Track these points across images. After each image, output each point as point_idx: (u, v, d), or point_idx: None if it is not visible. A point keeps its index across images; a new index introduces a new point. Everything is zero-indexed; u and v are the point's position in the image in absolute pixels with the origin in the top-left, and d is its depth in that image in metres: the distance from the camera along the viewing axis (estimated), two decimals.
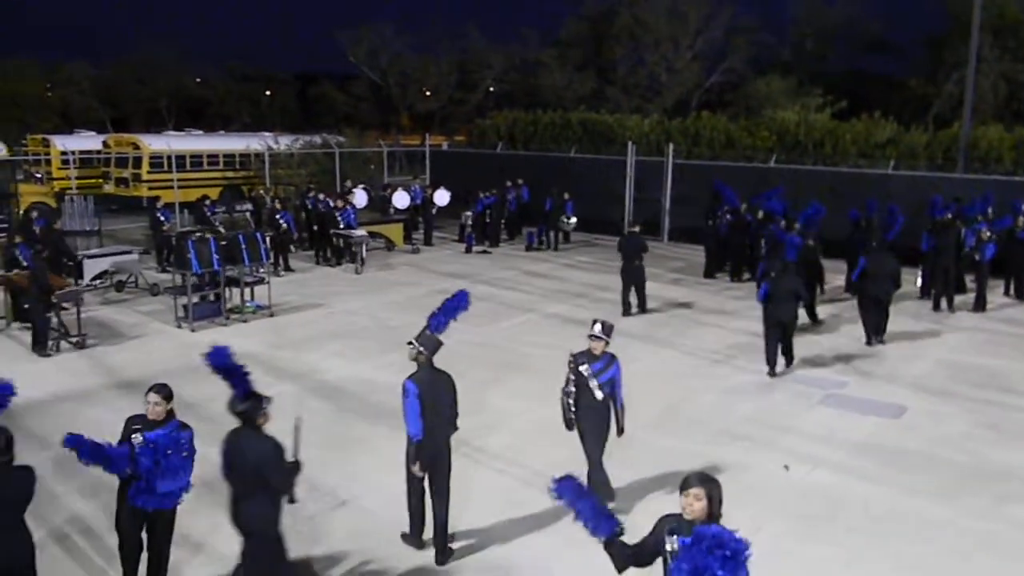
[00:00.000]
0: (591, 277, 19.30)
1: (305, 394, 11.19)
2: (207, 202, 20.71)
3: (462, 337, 13.91)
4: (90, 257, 16.38)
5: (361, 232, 19.83)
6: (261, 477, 5.72)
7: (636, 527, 7.41)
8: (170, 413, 6.11)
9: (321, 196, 21.08)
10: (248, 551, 5.93)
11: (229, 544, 7.27)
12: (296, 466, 5.93)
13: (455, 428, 7.17)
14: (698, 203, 20.19)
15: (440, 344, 7.03)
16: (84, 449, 5.75)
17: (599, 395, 7.70)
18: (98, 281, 16.03)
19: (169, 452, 6.00)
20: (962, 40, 37.66)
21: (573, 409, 7.72)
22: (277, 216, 19.61)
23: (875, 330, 13.72)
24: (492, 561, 7.19)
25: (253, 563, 5.90)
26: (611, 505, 7.50)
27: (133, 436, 5.97)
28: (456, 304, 7.33)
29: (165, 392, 6.10)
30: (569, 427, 7.84)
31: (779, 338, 12.14)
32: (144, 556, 6.33)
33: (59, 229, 16.01)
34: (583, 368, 7.70)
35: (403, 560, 7.14)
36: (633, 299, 15.60)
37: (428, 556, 7.19)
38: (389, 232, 22.30)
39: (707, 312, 16.04)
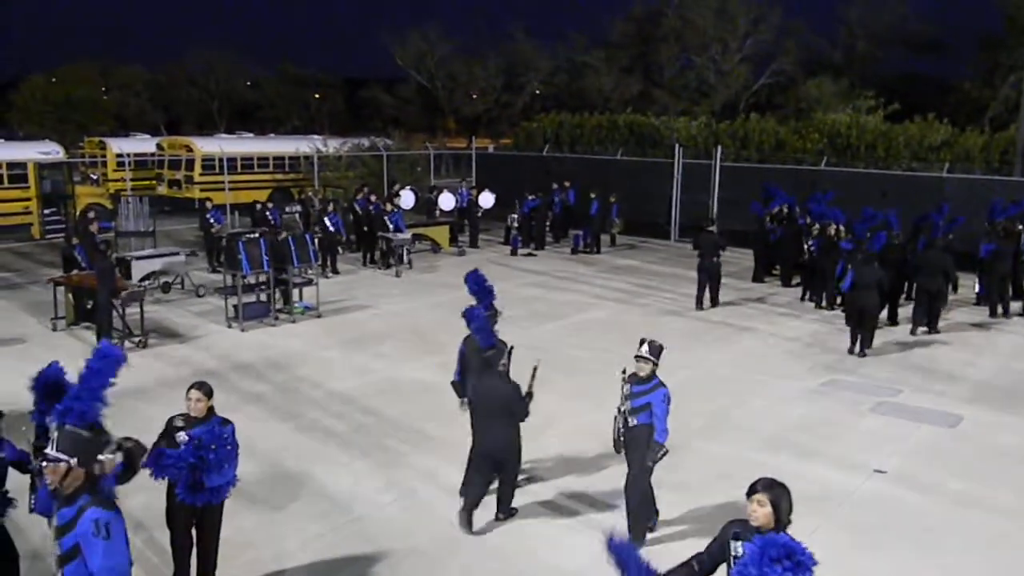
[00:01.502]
0: (638, 280, 19.23)
1: (356, 394, 11.26)
2: (270, 205, 20.86)
3: (508, 338, 13.98)
4: (139, 259, 16.61)
5: (404, 235, 19.95)
6: (506, 409, 7.38)
7: (684, 534, 7.43)
8: (211, 410, 6.18)
9: (372, 198, 21.27)
10: (495, 466, 7.58)
11: (274, 543, 7.35)
12: (530, 395, 7.57)
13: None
14: (747, 206, 19.97)
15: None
16: (159, 468, 5.96)
17: (631, 421, 7.13)
18: (146, 282, 16.28)
19: (214, 447, 6.08)
20: (1019, 41, 36.84)
21: (621, 430, 7.27)
22: (325, 218, 19.80)
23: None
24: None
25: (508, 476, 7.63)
26: (653, 523, 7.51)
27: (177, 435, 6.06)
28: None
29: (206, 389, 6.18)
30: (616, 449, 7.44)
31: (859, 324, 13.10)
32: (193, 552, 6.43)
33: (92, 231, 15.97)
34: (625, 388, 7.21)
35: (456, 552, 7.15)
36: (706, 295, 16.35)
37: (474, 554, 7.19)
38: (435, 234, 22.43)
39: (756, 317, 15.90)
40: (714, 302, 16.43)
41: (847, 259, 13.83)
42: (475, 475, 7.70)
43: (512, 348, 7.84)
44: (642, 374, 7.15)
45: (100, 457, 4.20)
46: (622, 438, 7.28)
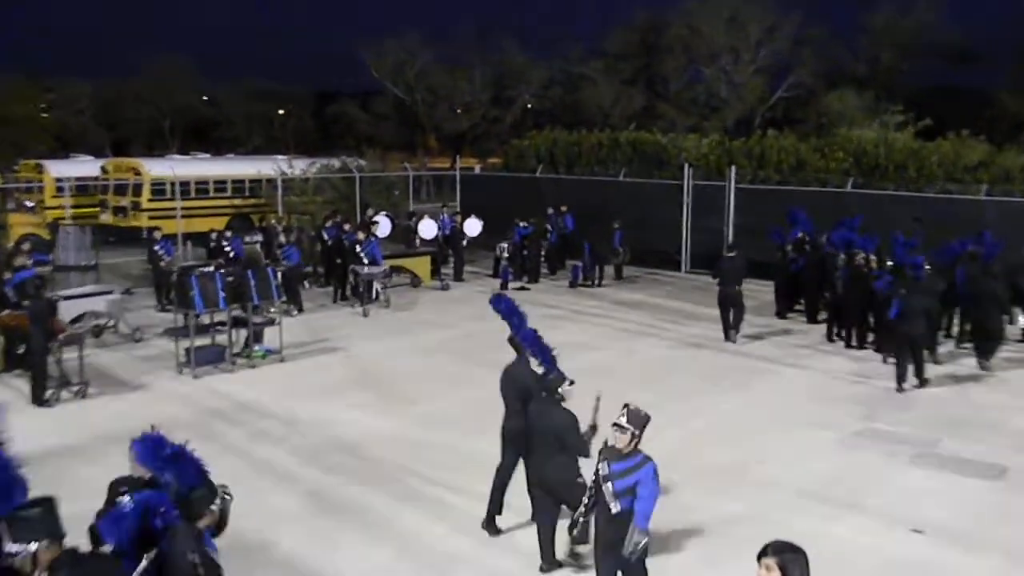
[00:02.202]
0: (645, 316, 19.21)
1: (322, 452, 11.12)
2: (228, 234, 20.72)
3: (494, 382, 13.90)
4: (67, 298, 16.00)
5: (378, 267, 19.87)
6: (560, 440, 7.64)
7: None
8: None
9: (346, 227, 21.26)
10: (555, 499, 7.80)
11: None
12: (593, 429, 7.73)
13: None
14: (765, 233, 20.01)
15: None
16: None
17: (613, 507, 6.53)
18: (76, 325, 15.95)
19: (162, 512, 5.90)
20: None
21: (585, 517, 6.85)
22: (278, 250, 19.62)
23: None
24: None
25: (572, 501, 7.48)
26: None
27: (120, 500, 5.86)
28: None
29: None
30: (580, 539, 7.10)
31: (910, 355, 13.55)
32: None
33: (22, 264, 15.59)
34: (601, 466, 6.63)
35: None
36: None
37: None
38: (414, 266, 22.41)
39: (778, 357, 15.87)
40: (734, 332, 16.73)
41: (889, 288, 14.33)
42: (538, 514, 8.10)
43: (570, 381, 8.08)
44: (620, 446, 6.53)
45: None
46: (595, 529, 6.81)
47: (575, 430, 7.69)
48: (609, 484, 6.53)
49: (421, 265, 22.51)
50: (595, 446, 7.39)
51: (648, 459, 6.53)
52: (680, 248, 25.10)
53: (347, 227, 21.22)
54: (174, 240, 22.45)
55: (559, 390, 7.84)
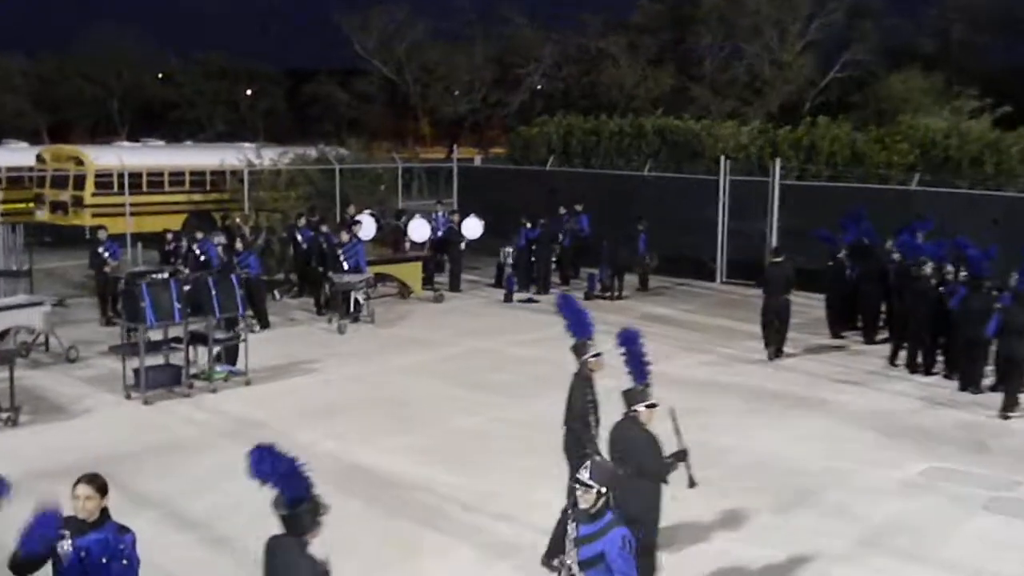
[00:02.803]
0: (673, 334, 19.18)
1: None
2: (199, 236, 20.62)
3: (497, 414, 13.96)
4: None
5: (361, 274, 19.85)
6: (640, 465, 7.82)
7: None
8: (104, 512, 6.04)
9: (324, 227, 21.29)
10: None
11: None
12: (683, 453, 8.08)
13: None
14: (814, 236, 19.95)
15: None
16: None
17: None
18: (3, 342, 15.82)
19: (105, 560, 5.92)
20: None
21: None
22: (236, 258, 19.26)
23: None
24: None
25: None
26: None
27: (59, 544, 5.88)
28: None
29: (98, 483, 6.04)
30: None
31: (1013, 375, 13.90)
32: None
33: None
34: (570, 530, 6.47)
35: None
36: None
37: None
38: (403, 274, 22.37)
39: (833, 384, 15.84)
40: (778, 350, 17.12)
41: (963, 304, 14.74)
42: None
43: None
44: (586, 506, 6.26)
45: None
46: None
47: (651, 452, 7.91)
48: (573, 551, 6.35)
49: (410, 272, 22.43)
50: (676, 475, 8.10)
51: (617, 523, 6.24)
52: (715, 255, 25.10)
53: (325, 227, 21.26)
54: (122, 242, 22.36)
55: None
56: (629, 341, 8.50)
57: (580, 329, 9.38)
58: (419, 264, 22.78)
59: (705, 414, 13.85)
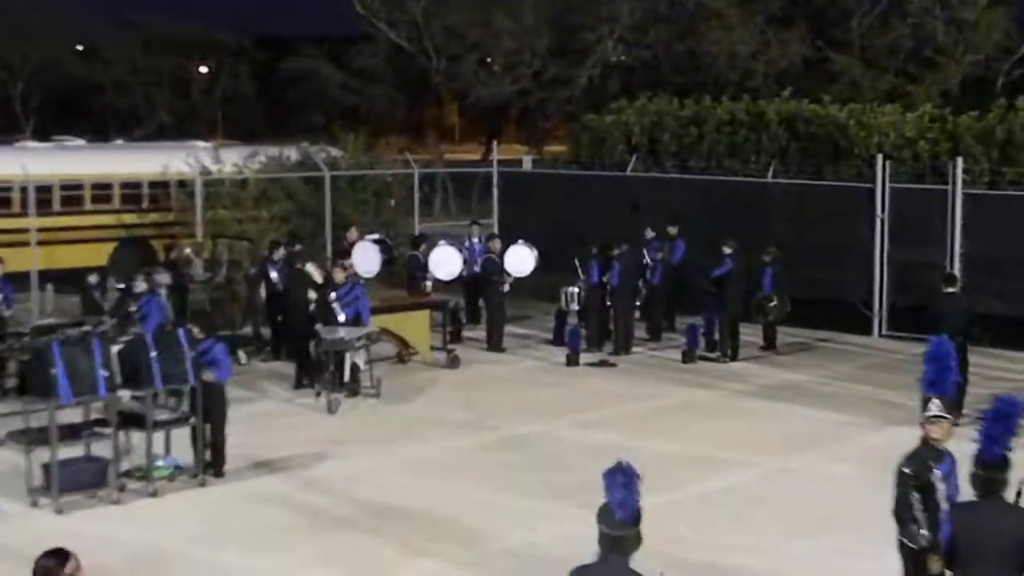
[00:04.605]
0: (814, 414, 18.96)
1: None
2: (138, 282, 20.59)
3: (559, 530, 13.59)
4: None
5: (346, 329, 19.72)
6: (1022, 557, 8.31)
7: None
8: None
9: (309, 265, 21.40)
10: None
11: None
12: None
13: None
14: (1014, 265, 19.79)
15: None
16: None
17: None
18: None
19: None
20: None
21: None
22: (133, 305, 19.34)
23: None
24: None
25: None
26: None
27: None
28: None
29: None
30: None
31: None
32: None
33: None
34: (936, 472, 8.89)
35: None
36: None
37: None
38: (403, 327, 22.23)
39: None
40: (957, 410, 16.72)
41: None
42: None
43: None
44: (938, 440, 8.38)
45: None
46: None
47: None
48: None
49: (414, 326, 22.48)
50: None
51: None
52: (870, 295, 24.95)
53: (310, 266, 21.40)
54: (22, 282, 22.56)
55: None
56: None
57: (937, 380, 10.04)
58: (426, 313, 22.74)
59: (851, 528, 13.47)
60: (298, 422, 18.66)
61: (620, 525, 7.27)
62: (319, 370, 20.05)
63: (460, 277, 23.69)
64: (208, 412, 16.12)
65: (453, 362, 22.23)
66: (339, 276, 20.41)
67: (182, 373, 15.37)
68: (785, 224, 24.72)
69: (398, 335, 22.29)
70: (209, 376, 16.00)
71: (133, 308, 19.65)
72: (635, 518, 7.26)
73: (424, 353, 22.32)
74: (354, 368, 19.84)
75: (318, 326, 19.91)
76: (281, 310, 21.81)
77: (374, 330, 20.38)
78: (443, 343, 22.74)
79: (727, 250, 22.87)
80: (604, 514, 7.37)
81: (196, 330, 16.61)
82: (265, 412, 19.23)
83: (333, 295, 20.02)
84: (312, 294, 20.64)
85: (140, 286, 20.09)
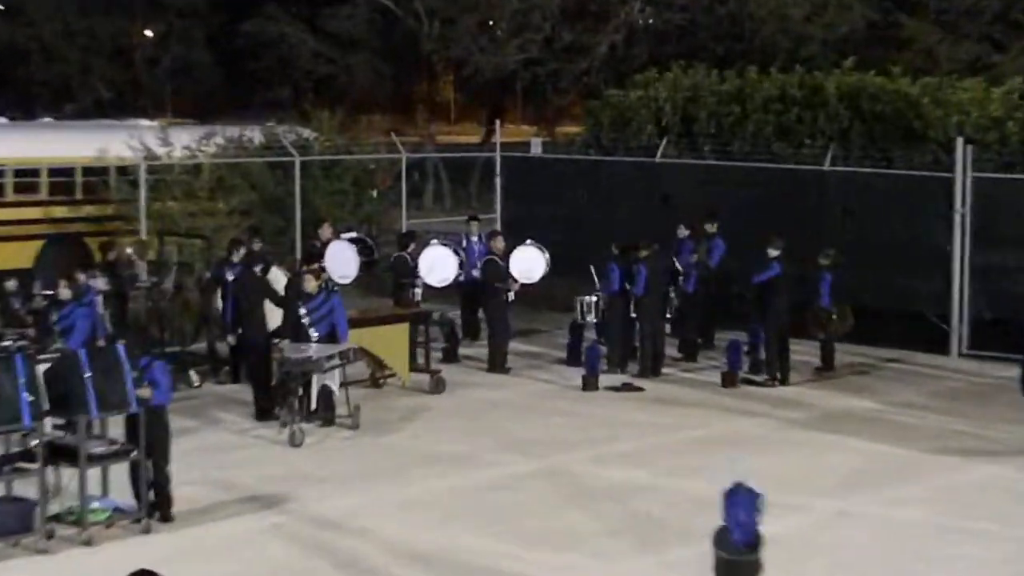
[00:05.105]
0: (877, 448, 18.96)
1: None
2: (62, 288, 20.30)
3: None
4: None
5: (316, 348, 19.41)
6: None
7: None
8: None
9: (281, 271, 21.15)
10: None
11: None
12: None
13: None
14: None
15: None
16: None
17: None
18: None
19: None
20: None
21: None
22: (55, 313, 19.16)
23: None
24: None
25: None
26: None
27: None
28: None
29: None
30: None
31: None
32: None
33: None
34: None
35: None
36: None
37: None
38: (377, 345, 21.73)
39: None
40: None
41: None
42: None
43: None
44: None
45: None
46: None
47: None
48: None
49: (391, 342, 22.08)
50: None
51: None
52: (949, 307, 24.46)
53: (275, 270, 21.14)
54: None
55: None
56: None
57: None
58: (405, 327, 22.25)
59: None
60: (259, 456, 18.48)
61: (738, 550, 8.20)
62: (283, 395, 19.55)
63: (456, 283, 23.59)
64: (149, 444, 16.06)
65: (438, 386, 21.93)
66: (311, 285, 20.00)
67: (123, 397, 15.00)
68: (846, 221, 24.60)
69: (372, 353, 21.76)
70: (145, 393, 15.95)
71: (54, 318, 19.57)
72: (754, 543, 8.30)
73: (403, 375, 21.90)
74: (327, 393, 19.48)
75: (283, 342, 19.64)
76: (239, 322, 21.30)
77: (351, 348, 19.98)
78: (426, 363, 22.36)
79: (774, 252, 22.35)
80: (721, 537, 8.33)
81: (129, 346, 16.50)
82: (220, 445, 19.03)
83: (303, 310, 19.65)
84: (271, 307, 20.37)
85: (67, 293, 19.88)
